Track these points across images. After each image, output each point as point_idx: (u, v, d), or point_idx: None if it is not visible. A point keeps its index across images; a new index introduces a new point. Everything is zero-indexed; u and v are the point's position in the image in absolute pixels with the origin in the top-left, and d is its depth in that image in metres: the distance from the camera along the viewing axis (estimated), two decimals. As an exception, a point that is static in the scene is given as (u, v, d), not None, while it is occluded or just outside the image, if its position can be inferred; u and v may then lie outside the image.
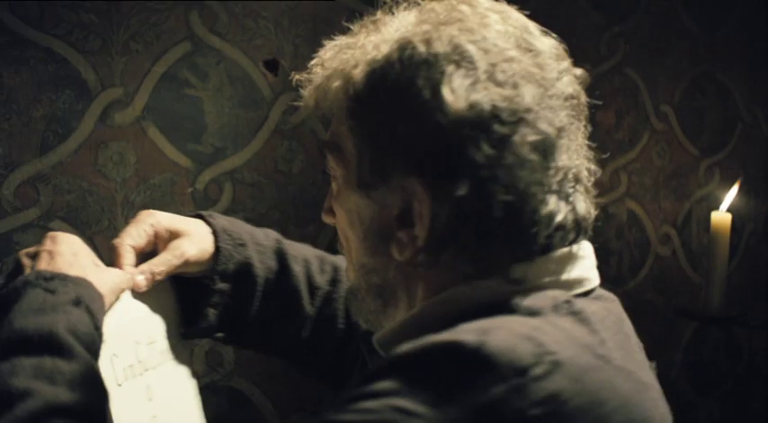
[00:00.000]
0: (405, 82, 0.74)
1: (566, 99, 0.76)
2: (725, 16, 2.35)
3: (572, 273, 0.78)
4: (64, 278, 0.82)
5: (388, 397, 0.64)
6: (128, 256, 0.94)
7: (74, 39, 1.55)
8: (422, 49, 0.74)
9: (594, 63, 2.15)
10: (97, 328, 0.81)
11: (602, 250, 2.14)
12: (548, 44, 0.79)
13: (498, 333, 0.66)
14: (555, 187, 0.75)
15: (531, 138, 0.72)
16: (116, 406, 0.84)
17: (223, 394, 1.71)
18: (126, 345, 0.91)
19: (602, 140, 2.30)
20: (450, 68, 0.73)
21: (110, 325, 0.86)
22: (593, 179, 0.81)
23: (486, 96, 0.72)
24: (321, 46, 1.03)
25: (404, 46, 0.75)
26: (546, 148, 0.74)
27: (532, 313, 0.71)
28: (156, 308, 0.97)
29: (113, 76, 1.58)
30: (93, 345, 0.80)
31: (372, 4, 1.84)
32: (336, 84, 0.79)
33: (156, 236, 0.98)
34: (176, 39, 1.64)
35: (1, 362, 0.74)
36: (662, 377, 0.79)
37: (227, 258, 0.99)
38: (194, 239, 0.98)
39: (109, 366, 0.87)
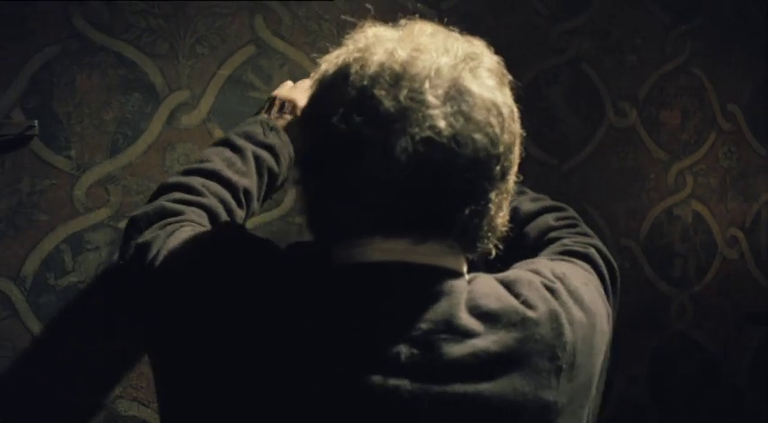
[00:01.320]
0: (310, 94, 0.96)
1: (421, 142, 0.84)
2: (796, 13, 2.29)
3: (349, 251, 0.92)
4: (277, 131, 1.37)
5: None
6: None
7: (142, 43, 1.59)
8: (328, 69, 0.94)
9: (659, 63, 2.12)
10: (278, 164, 1.35)
11: (666, 252, 2.12)
12: (452, 88, 0.87)
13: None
14: (385, 203, 0.87)
15: (365, 163, 0.85)
16: None
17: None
18: None
19: (667, 141, 2.26)
20: (325, 91, 0.92)
21: None
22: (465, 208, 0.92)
23: (333, 123, 0.86)
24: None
25: (326, 64, 0.95)
26: (376, 176, 0.85)
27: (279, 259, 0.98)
28: None
29: (180, 80, 1.62)
30: (265, 173, 1.32)
31: (433, 5, 1.84)
32: None
33: None
34: (241, 42, 1.67)
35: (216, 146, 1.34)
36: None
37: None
38: None
39: None
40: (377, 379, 0.83)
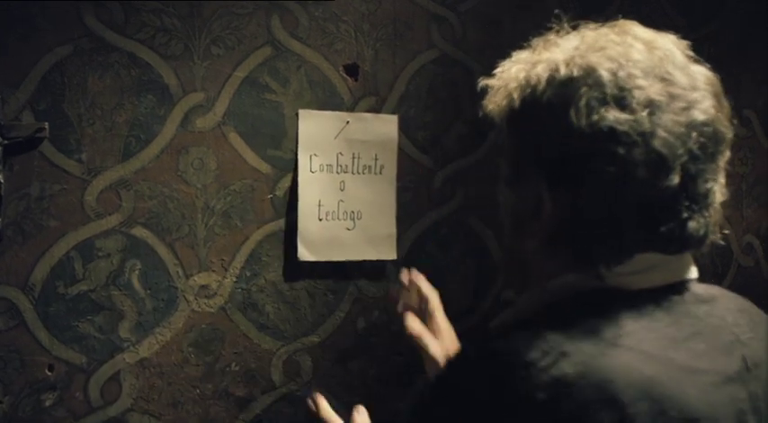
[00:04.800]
0: (545, 100, 0.86)
1: (693, 126, 0.83)
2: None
3: (652, 276, 0.88)
4: None
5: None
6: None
7: (156, 44, 1.54)
8: (563, 71, 0.86)
9: (676, 67, 2.09)
10: None
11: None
12: (690, 75, 0.86)
13: (523, 341, 0.81)
14: (664, 203, 0.83)
15: (644, 157, 0.81)
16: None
17: (300, 404, 1.69)
18: None
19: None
20: (581, 91, 0.83)
21: None
22: (716, 201, 0.89)
23: (606, 118, 0.82)
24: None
25: (552, 68, 0.87)
26: (658, 168, 0.81)
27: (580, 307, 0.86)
28: None
29: (195, 81, 1.58)
30: None
31: (452, 7, 1.80)
32: (502, 94, 0.93)
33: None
34: (257, 43, 1.62)
35: None
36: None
37: None
38: None
39: None
40: (729, 390, 0.86)
